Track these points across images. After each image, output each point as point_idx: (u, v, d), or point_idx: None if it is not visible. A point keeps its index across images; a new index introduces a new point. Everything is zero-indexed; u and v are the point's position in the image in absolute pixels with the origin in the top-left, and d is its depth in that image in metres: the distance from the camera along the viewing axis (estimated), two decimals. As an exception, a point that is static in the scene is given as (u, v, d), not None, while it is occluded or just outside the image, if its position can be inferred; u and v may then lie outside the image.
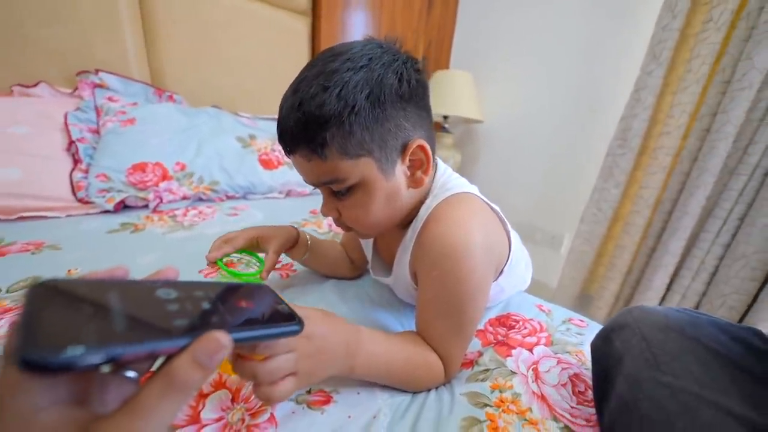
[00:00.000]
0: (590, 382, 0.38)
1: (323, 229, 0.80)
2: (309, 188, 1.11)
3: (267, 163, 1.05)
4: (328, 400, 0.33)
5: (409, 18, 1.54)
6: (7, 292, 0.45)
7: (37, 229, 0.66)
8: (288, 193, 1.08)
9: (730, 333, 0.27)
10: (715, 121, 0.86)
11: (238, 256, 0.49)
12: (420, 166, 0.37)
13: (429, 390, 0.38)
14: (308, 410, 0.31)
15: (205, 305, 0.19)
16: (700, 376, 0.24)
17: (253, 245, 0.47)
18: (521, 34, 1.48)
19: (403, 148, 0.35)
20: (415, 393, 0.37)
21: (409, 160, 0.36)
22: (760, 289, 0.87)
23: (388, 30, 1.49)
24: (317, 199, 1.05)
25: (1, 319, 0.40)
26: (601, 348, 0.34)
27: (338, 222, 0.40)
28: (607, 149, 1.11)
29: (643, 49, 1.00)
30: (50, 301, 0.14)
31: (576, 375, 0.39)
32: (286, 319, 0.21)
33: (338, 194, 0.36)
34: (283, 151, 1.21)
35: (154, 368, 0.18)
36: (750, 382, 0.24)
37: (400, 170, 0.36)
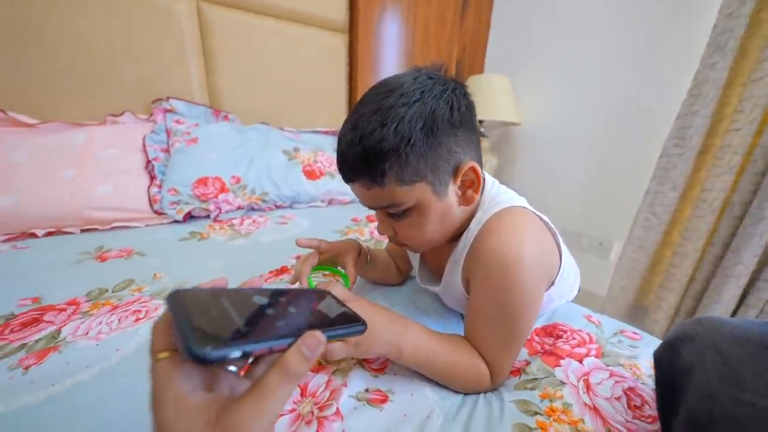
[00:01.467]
0: (647, 398, 0.37)
1: (365, 236, 0.84)
2: (348, 197, 1.16)
3: (310, 174, 1.12)
4: (385, 399, 0.36)
5: (443, 29, 1.55)
6: (113, 291, 0.55)
7: (125, 238, 0.77)
8: (330, 202, 1.15)
9: None
10: (795, 114, 0.77)
11: (321, 274, 0.54)
12: (471, 185, 0.40)
13: (477, 394, 0.39)
14: (369, 407, 0.34)
15: (293, 309, 0.23)
16: None
17: (330, 260, 0.51)
18: (558, 35, 1.43)
19: (455, 170, 0.38)
20: (464, 396, 0.39)
21: (461, 180, 0.39)
22: None
23: (423, 40, 1.51)
24: (358, 208, 1.11)
25: (112, 314, 0.48)
26: (666, 358, 0.33)
27: (393, 239, 0.44)
28: (662, 150, 1.03)
29: (695, 43, 0.92)
30: (187, 308, 0.18)
31: (631, 389, 0.38)
32: (352, 319, 0.25)
33: (394, 215, 0.40)
34: (325, 164, 1.26)
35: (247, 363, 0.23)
36: None
37: (452, 190, 0.39)
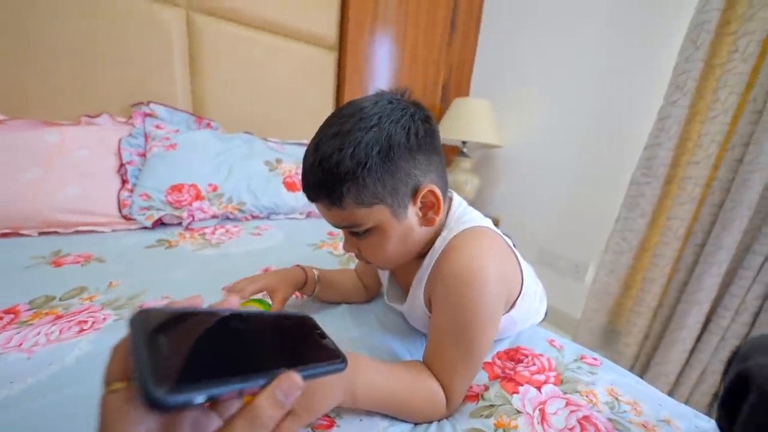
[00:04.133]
0: (600, 426, 0.37)
1: (339, 251, 0.83)
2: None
3: (290, 186, 1.11)
4: (331, 425, 0.34)
5: (431, 49, 1.61)
6: (60, 300, 0.52)
7: (87, 243, 0.74)
8: (308, 215, 1.14)
9: None
10: (747, 151, 0.83)
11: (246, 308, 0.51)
12: (431, 207, 0.40)
13: (430, 422, 0.38)
14: (313, 433, 0.33)
15: (270, 338, 0.22)
16: None
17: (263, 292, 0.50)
18: (541, 63, 1.50)
19: (414, 193, 0.39)
20: (415, 424, 0.37)
21: (421, 202, 0.39)
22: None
23: (411, 60, 1.56)
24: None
25: (54, 324, 0.45)
26: None
27: (358, 256, 0.44)
28: (631, 177, 1.08)
29: (666, 77, 0.99)
30: (150, 334, 0.16)
31: (585, 417, 0.38)
32: (332, 354, 0.23)
33: (357, 234, 0.40)
34: None
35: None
36: None
37: (413, 212, 0.39)
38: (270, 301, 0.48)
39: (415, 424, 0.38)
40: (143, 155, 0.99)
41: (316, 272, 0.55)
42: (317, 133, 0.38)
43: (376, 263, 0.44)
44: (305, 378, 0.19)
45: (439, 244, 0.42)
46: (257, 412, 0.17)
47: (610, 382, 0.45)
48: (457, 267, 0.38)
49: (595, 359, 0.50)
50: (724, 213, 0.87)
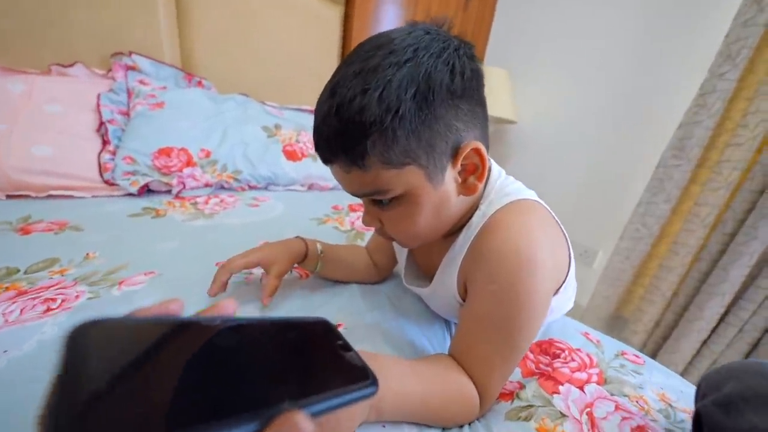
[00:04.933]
0: (659, 439, 0.32)
1: (345, 226, 0.76)
2: (331, 182, 1.07)
3: (291, 155, 1.02)
4: (349, 433, 0.28)
5: (445, 11, 1.46)
6: (25, 273, 0.44)
7: (63, 209, 0.66)
8: (310, 186, 1.05)
9: None
10: (800, 133, 0.75)
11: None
12: (474, 170, 0.33)
13: (461, 426, 0.32)
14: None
15: (273, 357, 0.15)
16: None
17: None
18: (562, 32, 1.37)
19: (455, 152, 0.31)
20: (444, 429, 0.32)
21: (461, 164, 0.32)
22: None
23: (424, 19, 1.42)
24: (340, 194, 1.02)
25: (14, 302, 0.38)
26: (721, 419, 0.27)
27: (380, 232, 0.36)
28: (659, 160, 1.01)
29: (707, 50, 0.89)
30: (93, 357, 0.11)
31: (640, 428, 0.33)
32: (357, 374, 0.16)
33: (381, 203, 0.32)
34: (308, 145, 1.14)
35: None
36: None
37: (451, 176, 0.32)
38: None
39: (444, 429, 0.32)
40: (126, 114, 0.88)
41: (319, 246, 0.49)
42: (335, 73, 0.29)
43: (401, 240, 0.37)
44: (319, 414, 0.13)
45: (478, 219, 0.35)
46: None
47: (659, 385, 0.40)
48: (503, 247, 0.31)
49: (638, 356, 0.45)
50: (764, 200, 0.80)
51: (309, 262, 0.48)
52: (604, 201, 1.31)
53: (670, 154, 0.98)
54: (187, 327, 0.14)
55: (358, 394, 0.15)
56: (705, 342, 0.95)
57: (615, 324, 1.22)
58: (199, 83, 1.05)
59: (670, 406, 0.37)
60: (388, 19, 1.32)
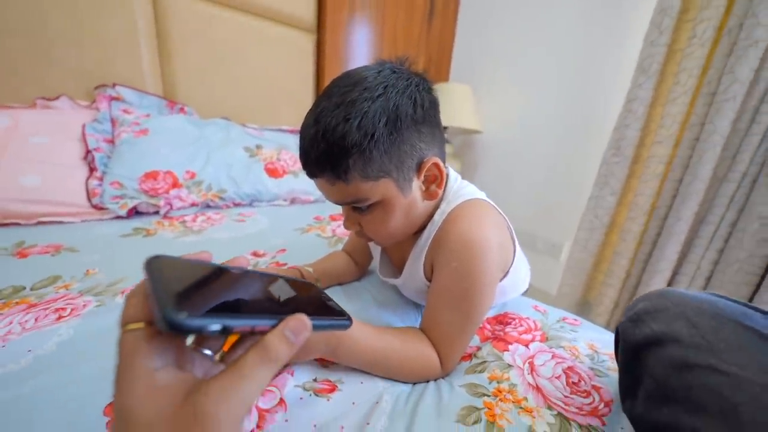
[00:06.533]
0: (584, 375, 0.40)
1: (327, 233, 0.83)
2: (312, 196, 1.14)
3: (272, 172, 1.08)
4: (333, 389, 0.35)
5: (410, 33, 1.61)
6: (31, 289, 0.48)
7: (55, 233, 0.69)
8: (293, 201, 1.12)
9: None
10: (703, 130, 0.90)
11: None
12: (434, 180, 0.41)
13: (427, 381, 0.40)
14: (315, 397, 0.33)
15: (278, 293, 0.22)
16: None
17: None
18: (517, 49, 1.54)
19: (419, 166, 0.39)
20: (414, 384, 0.39)
21: (425, 176, 0.40)
22: (754, 293, 0.88)
23: (391, 45, 1.55)
24: (321, 206, 1.09)
25: (28, 313, 0.42)
26: (631, 331, 0.34)
27: (360, 234, 0.43)
28: (602, 158, 1.15)
29: (634, 63, 1.05)
30: (167, 274, 0.17)
31: (570, 368, 0.41)
32: (337, 313, 0.24)
33: (359, 210, 0.40)
34: (288, 162, 1.21)
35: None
36: None
37: (416, 186, 0.40)
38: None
39: (414, 384, 0.39)
40: (111, 142, 0.93)
41: (310, 270, 0.54)
42: (315, 105, 0.36)
43: (378, 239, 0.44)
44: (316, 327, 0.20)
45: (439, 217, 0.43)
46: (268, 346, 0.18)
47: (590, 338, 0.48)
48: (461, 234, 0.39)
49: (576, 320, 0.54)
50: (684, 187, 0.95)
51: None
52: (564, 198, 1.45)
53: (610, 153, 1.12)
54: (219, 267, 0.21)
55: (338, 323, 0.23)
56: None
57: (582, 309, 1.33)
58: (182, 110, 1.10)
59: (596, 352, 0.45)
60: (358, 42, 1.43)
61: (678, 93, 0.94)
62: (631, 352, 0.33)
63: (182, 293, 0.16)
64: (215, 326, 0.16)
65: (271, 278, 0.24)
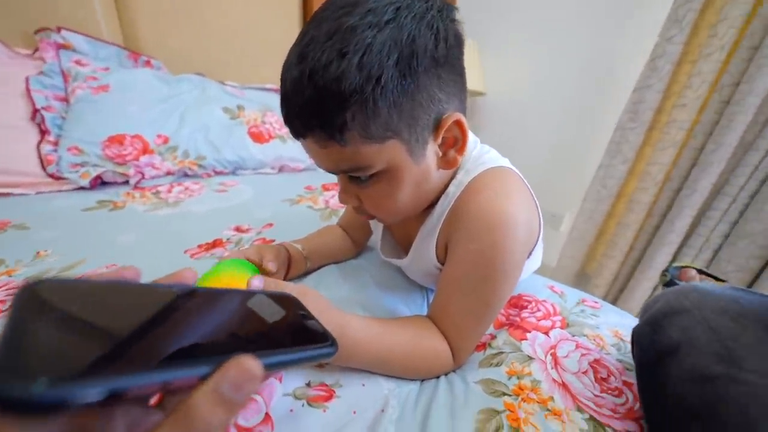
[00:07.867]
0: (612, 369, 0.36)
1: (319, 205, 0.75)
2: (303, 163, 1.04)
3: (257, 137, 0.97)
4: (330, 396, 0.29)
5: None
6: (-36, 276, 0.40)
7: (2, 207, 0.60)
8: (281, 169, 1.02)
9: None
10: (736, 91, 0.81)
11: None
12: (454, 144, 0.32)
13: (438, 377, 0.35)
14: (308, 408, 0.28)
15: (226, 319, 0.15)
16: None
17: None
18: (530, 3, 1.37)
19: (437, 125, 0.30)
20: (422, 381, 0.34)
21: (442, 137, 0.31)
22: (763, 268, 0.86)
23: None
24: (312, 175, 1.00)
25: (-45, 307, 0.35)
26: (648, 335, 0.31)
27: (359, 210, 0.35)
28: (617, 123, 1.06)
29: (659, 16, 0.92)
30: (42, 312, 0.11)
31: (597, 361, 0.37)
32: (317, 337, 0.17)
33: (359, 180, 0.31)
34: (275, 126, 1.09)
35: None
36: None
37: (431, 150, 0.31)
38: (256, 266, 0.36)
39: (422, 381, 0.34)
40: (65, 99, 0.80)
41: (299, 247, 0.46)
42: (302, 33, 0.26)
43: (382, 217, 0.36)
44: (273, 367, 0.14)
45: (455, 189, 0.35)
46: (192, 412, 0.11)
47: (613, 324, 0.44)
48: (483, 209, 0.32)
49: (596, 302, 0.50)
50: (704, 156, 0.88)
51: (298, 264, 0.44)
52: (569, 167, 1.38)
53: (626, 117, 1.03)
54: (142, 290, 0.14)
55: (315, 353, 0.16)
56: (655, 289, 1.06)
57: (579, 281, 1.32)
58: (147, 63, 0.96)
59: (622, 340, 0.41)
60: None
61: (714, 48, 0.83)
62: (649, 359, 0.30)
63: (47, 347, 0.10)
64: (91, 393, 0.09)
65: (224, 295, 0.17)
